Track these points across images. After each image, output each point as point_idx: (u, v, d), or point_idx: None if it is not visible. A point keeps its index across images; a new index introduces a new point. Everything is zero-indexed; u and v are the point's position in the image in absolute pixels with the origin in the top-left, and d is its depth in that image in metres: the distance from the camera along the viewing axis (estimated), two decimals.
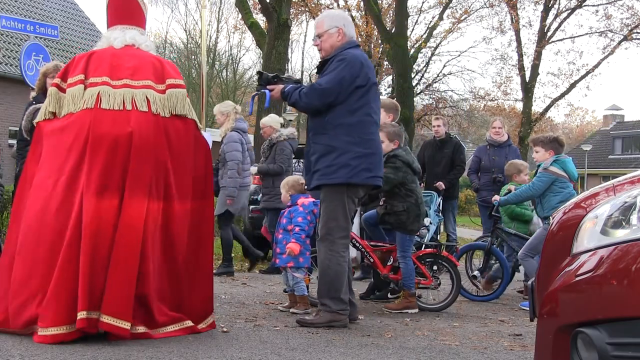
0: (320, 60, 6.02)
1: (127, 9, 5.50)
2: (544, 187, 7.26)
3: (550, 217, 3.51)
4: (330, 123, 5.66)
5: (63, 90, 5.09)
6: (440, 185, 10.19)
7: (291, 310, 6.46)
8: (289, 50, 32.74)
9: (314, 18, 33.90)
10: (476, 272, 8.19)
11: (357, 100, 5.65)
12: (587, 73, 35.30)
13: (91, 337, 4.62)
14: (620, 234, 2.74)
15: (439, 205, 9.50)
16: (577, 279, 2.78)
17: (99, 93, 4.96)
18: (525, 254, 7.38)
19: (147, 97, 5.04)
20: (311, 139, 5.87)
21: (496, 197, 8.16)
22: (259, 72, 6.14)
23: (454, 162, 10.66)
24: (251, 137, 16.92)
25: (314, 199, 6.52)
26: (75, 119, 4.95)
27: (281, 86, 5.82)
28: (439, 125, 10.90)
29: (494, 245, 8.11)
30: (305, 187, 6.37)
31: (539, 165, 7.52)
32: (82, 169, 4.81)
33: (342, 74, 5.61)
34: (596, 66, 34.98)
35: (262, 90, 5.96)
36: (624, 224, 2.75)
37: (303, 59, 43.75)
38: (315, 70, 6.25)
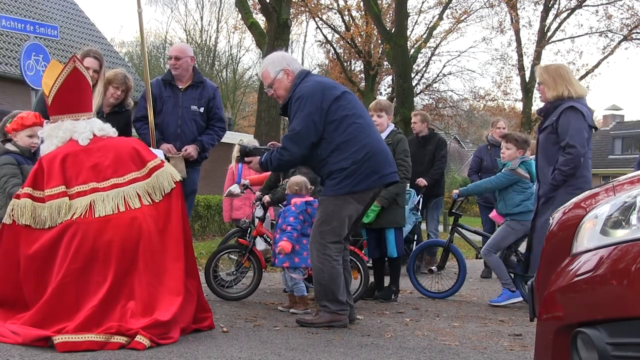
0: (280, 107, 6.01)
1: (84, 95, 5.48)
2: (505, 184, 7.48)
3: (551, 218, 3.51)
4: (324, 152, 5.62)
5: (39, 200, 5.05)
6: (422, 181, 9.88)
7: (291, 310, 6.46)
8: (289, 50, 32.78)
9: (314, 18, 33.98)
10: (434, 267, 8.22)
11: (335, 117, 5.59)
12: (587, 73, 35.25)
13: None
14: (620, 234, 2.74)
15: (418, 203, 9.42)
16: (577, 279, 2.77)
17: (90, 202, 5.00)
18: (489, 250, 7.47)
19: (137, 193, 5.14)
20: (317, 172, 5.90)
21: (455, 191, 8.24)
22: (239, 145, 6.27)
23: (435, 159, 10.25)
24: (251, 136, 16.96)
25: (306, 200, 6.55)
26: (66, 228, 4.94)
27: (258, 158, 5.81)
28: (415, 122, 10.41)
29: (452, 243, 8.22)
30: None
31: (503, 165, 7.65)
32: (88, 279, 4.86)
33: (307, 109, 5.55)
34: (596, 66, 34.94)
35: (238, 164, 6.52)
36: (623, 224, 2.75)
37: (303, 59, 43.63)
38: (280, 112, 6.24)
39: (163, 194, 5.22)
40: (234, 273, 7.26)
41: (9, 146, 5.90)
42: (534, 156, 7.80)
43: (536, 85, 6.25)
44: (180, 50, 6.90)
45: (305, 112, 5.54)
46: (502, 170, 7.57)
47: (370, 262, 7.74)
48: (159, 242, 5.06)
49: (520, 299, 7.45)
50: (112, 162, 5.21)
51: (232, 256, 7.55)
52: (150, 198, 5.18)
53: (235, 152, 8.77)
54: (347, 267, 5.96)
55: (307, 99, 5.56)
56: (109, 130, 5.47)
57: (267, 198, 7.30)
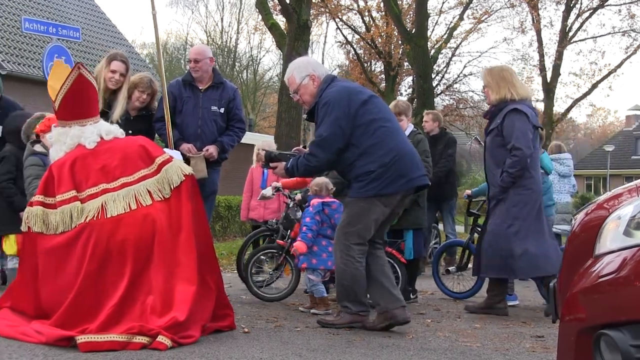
0: (306, 112, 5.98)
1: (90, 101, 5.50)
2: None
3: (573, 219, 3.49)
4: (352, 156, 5.56)
5: (51, 207, 5.11)
6: None
7: (312, 311, 6.47)
8: (309, 51, 32.82)
9: (334, 19, 33.97)
10: (452, 268, 8.18)
11: (362, 122, 5.54)
12: (610, 73, 34.96)
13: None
14: None
15: None
16: (600, 280, 2.76)
17: (102, 203, 5.05)
18: None
19: (147, 190, 5.18)
20: (344, 176, 5.85)
21: (467, 192, 8.20)
22: (263, 150, 6.29)
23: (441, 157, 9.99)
24: (271, 138, 16.99)
25: (323, 200, 6.55)
26: (81, 231, 5.00)
27: (283, 164, 5.78)
28: (426, 121, 10.22)
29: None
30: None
31: None
32: (104, 279, 4.90)
33: (334, 115, 5.50)
34: (619, 66, 34.63)
35: (263, 169, 7.03)
36: None
37: (323, 60, 43.64)
38: (306, 117, 6.23)
39: (172, 188, 5.25)
40: (271, 274, 7.32)
41: (37, 147, 5.98)
42: (544, 151, 7.83)
43: (481, 88, 6.44)
44: (198, 52, 6.91)
45: (332, 118, 5.51)
46: None
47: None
48: (171, 236, 5.09)
49: (516, 302, 7.50)
50: (119, 162, 5.26)
51: (262, 257, 7.57)
52: (162, 194, 5.21)
53: (256, 151, 8.84)
54: (385, 264, 5.85)
55: (334, 105, 5.53)
56: (117, 131, 5.53)
57: (298, 196, 7.35)
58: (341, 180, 6.33)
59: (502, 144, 6.53)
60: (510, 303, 7.19)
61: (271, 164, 5.86)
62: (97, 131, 5.39)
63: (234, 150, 7.24)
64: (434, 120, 10.23)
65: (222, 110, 6.87)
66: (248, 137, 9.83)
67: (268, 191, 7.94)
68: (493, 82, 6.65)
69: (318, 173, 6.38)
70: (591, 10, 34.50)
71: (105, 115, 6.33)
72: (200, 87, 6.84)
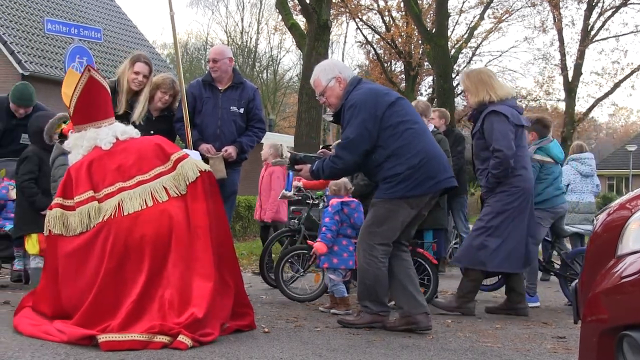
0: (332, 114, 5.97)
1: (102, 103, 5.55)
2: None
3: (595, 219, 3.47)
4: (380, 158, 5.53)
5: (70, 209, 5.16)
6: None
7: (332, 310, 6.46)
8: (329, 51, 32.87)
9: (354, 19, 33.98)
10: None
11: (389, 124, 5.51)
12: (632, 72, 34.73)
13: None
14: None
15: None
16: (623, 280, 2.74)
17: (119, 202, 5.09)
18: None
19: (163, 186, 5.20)
20: (371, 178, 5.84)
21: None
22: (289, 152, 6.29)
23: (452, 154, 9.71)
24: (291, 138, 17.02)
25: (342, 200, 6.55)
26: (99, 230, 5.04)
27: (309, 166, 5.77)
28: (432, 118, 9.70)
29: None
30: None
31: None
32: (124, 276, 4.94)
33: (360, 117, 5.48)
34: None
35: (288, 172, 6.90)
36: None
37: (343, 59, 43.62)
38: (331, 119, 6.21)
39: (187, 183, 5.26)
40: (302, 274, 7.38)
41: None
42: (553, 139, 7.75)
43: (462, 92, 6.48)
44: (217, 52, 6.93)
45: (358, 120, 5.49)
46: None
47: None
48: (188, 232, 5.10)
49: (537, 304, 7.46)
50: (135, 161, 5.29)
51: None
52: (178, 190, 5.23)
53: (265, 151, 8.91)
54: (411, 267, 5.82)
55: (361, 107, 5.51)
56: (132, 132, 5.58)
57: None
58: (369, 182, 6.33)
59: (486, 147, 6.57)
60: (531, 305, 7.15)
61: (296, 167, 5.86)
62: (112, 132, 5.43)
63: (254, 150, 7.25)
64: (440, 118, 10.14)
65: (241, 110, 6.88)
66: (268, 137, 9.83)
67: (289, 191, 7.96)
68: (472, 85, 6.68)
69: (344, 175, 6.36)
70: (613, 9, 34.29)
71: (128, 116, 6.38)
72: (219, 88, 6.86)
